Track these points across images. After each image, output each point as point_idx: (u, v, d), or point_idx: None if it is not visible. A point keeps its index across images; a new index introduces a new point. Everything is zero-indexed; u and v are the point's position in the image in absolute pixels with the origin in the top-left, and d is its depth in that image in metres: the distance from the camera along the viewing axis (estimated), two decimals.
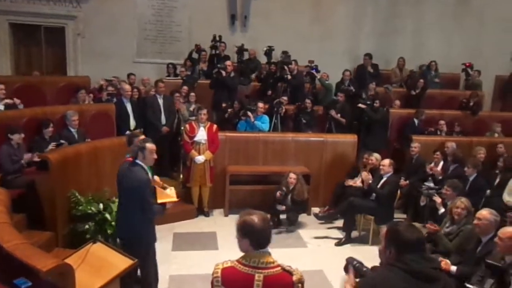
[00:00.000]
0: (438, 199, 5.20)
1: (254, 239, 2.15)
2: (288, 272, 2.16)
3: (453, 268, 3.82)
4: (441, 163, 6.78)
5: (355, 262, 2.64)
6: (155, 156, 3.88)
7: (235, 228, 2.23)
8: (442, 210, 5.05)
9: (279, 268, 2.15)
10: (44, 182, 4.85)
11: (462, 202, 4.40)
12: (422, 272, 2.04)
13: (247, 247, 2.17)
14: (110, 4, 9.74)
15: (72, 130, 6.02)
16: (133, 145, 3.97)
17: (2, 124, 5.29)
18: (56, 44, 10.06)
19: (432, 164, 6.73)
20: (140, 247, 3.68)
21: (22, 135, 5.24)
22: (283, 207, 6.15)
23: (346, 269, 2.68)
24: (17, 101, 6.39)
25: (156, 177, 4.36)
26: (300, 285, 2.16)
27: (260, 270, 2.11)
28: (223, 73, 7.92)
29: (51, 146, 5.51)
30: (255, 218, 2.17)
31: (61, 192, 4.85)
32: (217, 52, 9.39)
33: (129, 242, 3.71)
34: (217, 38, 9.46)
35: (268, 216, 2.30)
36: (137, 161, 3.77)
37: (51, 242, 4.74)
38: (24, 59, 10.07)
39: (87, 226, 4.76)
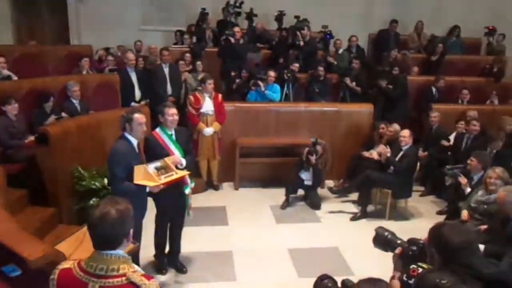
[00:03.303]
0: (463, 180, 4.82)
1: (92, 235, 1.75)
2: (134, 285, 1.70)
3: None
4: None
5: (386, 233, 2.21)
6: (145, 128, 3.55)
7: None
8: (468, 190, 4.71)
9: (123, 278, 1.72)
10: (45, 156, 4.63)
11: (494, 172, 4.15)
12: None
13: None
14: None
15: (74, 101, 5.76)
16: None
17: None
18: (57, 12, 9.67)
19: (454, 135, 6.36)
20: None
21: (16, 105, 5.01)
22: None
23: (375, 240, 2.25)
24: (6, 72, 5.98)
25: (169, 158, 3.67)
26: None
27: (95, 279, 1.72)
28: (232, 40, 7.53)
29: (51, 119, 5.26)
30: (101, 207, 1.74)
31: (62, 167, 4.63)
32: (230, 19, 8.88)
33: None
34: (232, 3, 8.91)
35: (123, 207, 1.76)
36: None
37: (54, 218, 4.58)
38: (26, 29, 9.69)
39: (91, 202, 4.55)
